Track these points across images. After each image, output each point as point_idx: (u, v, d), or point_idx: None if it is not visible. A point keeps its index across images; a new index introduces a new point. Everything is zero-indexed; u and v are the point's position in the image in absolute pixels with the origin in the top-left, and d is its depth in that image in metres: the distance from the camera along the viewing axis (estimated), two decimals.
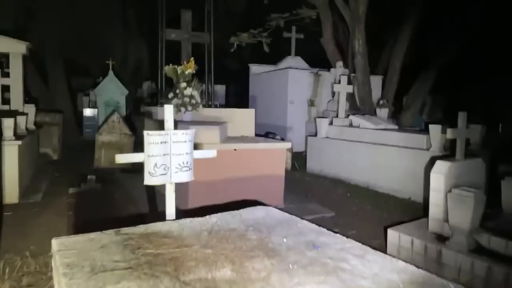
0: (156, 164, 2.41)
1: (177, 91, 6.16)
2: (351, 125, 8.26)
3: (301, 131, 10.62)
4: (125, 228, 2.13)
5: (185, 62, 6.54)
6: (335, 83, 8.92)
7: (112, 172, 7.44)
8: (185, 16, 6.98)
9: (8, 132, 5.25)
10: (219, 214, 2.41)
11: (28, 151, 6.43)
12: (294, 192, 6.12)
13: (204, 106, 6.67)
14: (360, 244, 1.96)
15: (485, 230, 3.35)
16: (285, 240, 1.98)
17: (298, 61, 12.35)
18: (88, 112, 13.13)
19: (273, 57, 12.72)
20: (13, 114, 6.03)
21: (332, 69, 10.33)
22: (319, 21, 10.79)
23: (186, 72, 6.36)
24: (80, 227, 4.27)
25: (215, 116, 6.09)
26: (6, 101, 7.35)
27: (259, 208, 2.58)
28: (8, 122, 5.24)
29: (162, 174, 2.44)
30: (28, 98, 8.62)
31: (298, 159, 8.48)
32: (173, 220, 2.33)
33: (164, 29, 6.74)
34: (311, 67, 12.02)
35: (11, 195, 5.22)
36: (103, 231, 2.06)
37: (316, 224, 2.30)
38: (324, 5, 10.64)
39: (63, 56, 11.59)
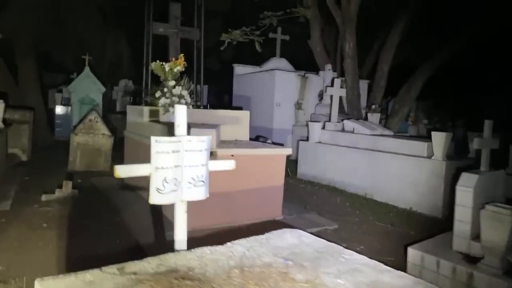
0: (165, 179, 1.94)
1: (165, 89, 5.67)
2: (343, 130, 7.96)
3: (288, 135, 10.27)
4: (130, 263, 1.66)
5: (173, 59, 6.05)
6: (328, 86, 8.59)
7: (89, 176, 6.83)
8: (174, 9, 6.47)
9: None
10: (243, 241, 1.97)
11: None
12: (289, 200, 5.71)
13: (193, 106, 6.19)
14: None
15: None
16: (340, 281, 1.57)
17: (284, 63, 12.01)
18: (60, 110, 12.30)
19: (256, 58, 12.33)
20: None
21: (321, 72, 10.02)
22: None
23: (175, 70, 5.87)
24: (60, 247, 3.71)
25: (205, 118, 5.60)
26: None
27: (286, 231, 2.15)
28: None
29: (173, 191, 1.98)
30: None
31: (288, 164, 8.08)
32: (187, 250, 1.87)
33: (151, 23, 6.20)
34: (296, 70, 11.70)
35: None
36: (102, 269, 1.58)
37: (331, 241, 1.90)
38: (313, 6, 10.35)
39: (35, 49, 10.74)
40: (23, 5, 9.26)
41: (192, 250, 1.85)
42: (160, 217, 4.53)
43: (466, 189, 3.31)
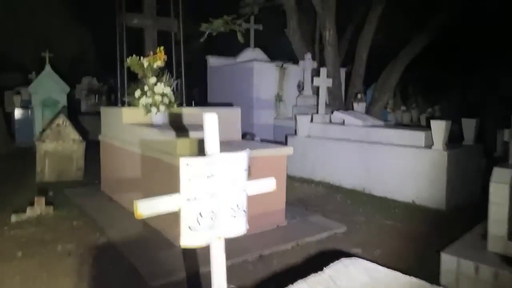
0: (201, 213, 1.48)
1: (145, 88, 5.09)
2: (331, 121, 7.65)
3: (269, 129, 9.87)
4: None
5: (151, 53, 5.47)
6: (312, 76, 8.21)
7: (62, 187, 6.14)
8: None
9: None
10: (303, 284, 1.55)
11: None
12: (288, 202, 5.31)
13: (177, 105, 5.64)
14: None
15: None
16: None
17: (259, 54, 11.54)
18: (19, 113, 11.29)
19: (228, 49, 11.78)
20: None
21: (300, 62, 9.63)
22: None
23: (155, 66, 5.30)
24: (43, 283, 3.13)
25: (195, 119, 5.08)
26: None
27: (347, 264, 1.75)
28: None
29: (210, 227, 1.52)
30: None
31: None
32: None
33: (125, 13, 5.56)
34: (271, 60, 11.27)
35: None
36: None
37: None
38: None
39: None
40: None
41: None
42: (151, 232, 4.04)
43: (502, 186, 3.03)
